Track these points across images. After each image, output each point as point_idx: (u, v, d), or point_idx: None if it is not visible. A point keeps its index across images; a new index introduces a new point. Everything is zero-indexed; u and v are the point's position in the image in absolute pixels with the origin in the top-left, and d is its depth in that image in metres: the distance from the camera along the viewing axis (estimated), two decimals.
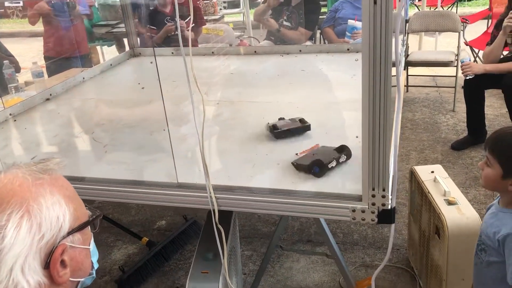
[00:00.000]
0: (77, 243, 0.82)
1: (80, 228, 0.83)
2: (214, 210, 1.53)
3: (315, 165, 1.59)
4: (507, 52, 3.47)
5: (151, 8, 4.29)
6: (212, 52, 3.35)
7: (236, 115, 2.31)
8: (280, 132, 1.91)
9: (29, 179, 0.79)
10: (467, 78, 3.36)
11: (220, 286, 1.57)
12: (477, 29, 5.25)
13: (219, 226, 1.54)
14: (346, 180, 1.62)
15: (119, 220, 3.00)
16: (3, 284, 0.72)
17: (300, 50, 3.21)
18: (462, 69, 3.36)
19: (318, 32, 4.55)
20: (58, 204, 0.79)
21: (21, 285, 0.73)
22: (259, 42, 4.31)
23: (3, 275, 0.72)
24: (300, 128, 1.94)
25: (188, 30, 1.44)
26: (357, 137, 1.78)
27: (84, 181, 1.74)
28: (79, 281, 0.85)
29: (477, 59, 4.73)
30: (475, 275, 1.59)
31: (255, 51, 3.34)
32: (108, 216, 3.00)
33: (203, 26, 4.17)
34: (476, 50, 4.76)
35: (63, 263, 0.78)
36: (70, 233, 0.80)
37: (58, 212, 0.78)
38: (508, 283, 1.40)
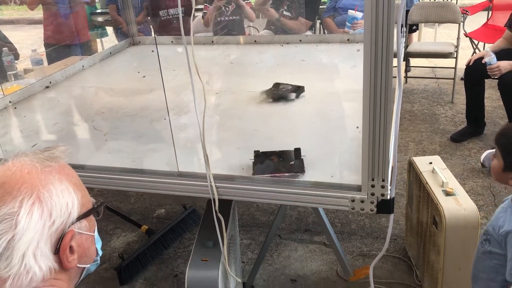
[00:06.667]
0: (84, 229, 0.84)
1: (86, 214, 0.84)
2: (214, 199, 1.54)
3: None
4: None
5: None
6: (212, 42, 3.34)
7: (236, 104, 2.32)
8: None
9: (37, 167, 0.80)
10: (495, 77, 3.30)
11: (220, 274, 1.59)
12: (477, 20, 5.24)
13: (219, 215, 1.56)
14: (345, 170, 1.64)
15: (118, 208, 3.01)
16: (15, 269, 0.73)
17: (300, 40, 3.21)
18: (491, 73, 3.26)
19: (318, 22, 4.53)
20: (67, 191, 0.81)
21: (33, 271, 0.75)
22: (258, 32, 4.30)
23: (16, 261, 0.73)
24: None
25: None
26: (357, 127, 1.79)
27: (84, 169, 1.74)
28: (84, 267, 0.87)
29: (476, 50, 4.73)
30: (475, 262, 1.63)
31: (255, 41, 3.33)
32: (108, 204, 3.01)
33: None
34: (476, 42, 4.75)
35: (71, 249, 0.80)
36: (78, 219, 0.82)
37: (67, 199, 0.80)
38: (504, 275, 1.43)
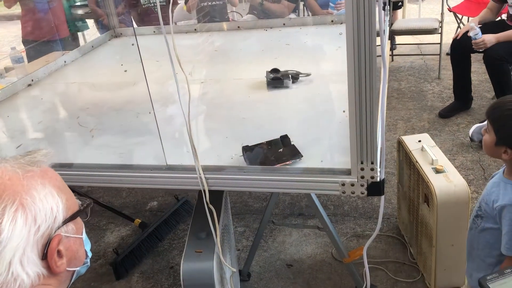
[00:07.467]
0: (71, 232, 0.82)
1: (73, 217, 0.83)
2: (204, 191, 1.53)
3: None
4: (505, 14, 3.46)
5: None
6: (195, 29, 3.30)
7: (222, 93, 2.29)
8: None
9: (19, 172, 0.78)
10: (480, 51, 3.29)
11: (214, 265, 1.58)
12: None
13: (211, 206, 1.55)
14: (334, 154, 1.63)
15: (110, 203, 3.00)
16: (2, 277, 0.72)
17: (284, 24, 3.18)
18: (476, 47, 3.24)
19: (302, 4, 4.49)
20: (51, 195, 0.79)
21: (21, 278, 0.73)
22: (242, 17, 4.25)
23: (2, 269, 0.72)
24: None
25: None
26: (344, 111, 1.78)
27: (72, 167, 1.72)
28: (74, 270, 0.85)
29: (461, 25, 4.72)
30: (469, 239, 1.63)
31: (238, 27, 3.29)
32: (99, 199, 2.99)
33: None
34: (460, 16, 4.74)
35: (59, 253, 0.79)
36: (64, 223, 0.80)
37: (51, 203, 0.78)
38: (499, 249, 1.44)
